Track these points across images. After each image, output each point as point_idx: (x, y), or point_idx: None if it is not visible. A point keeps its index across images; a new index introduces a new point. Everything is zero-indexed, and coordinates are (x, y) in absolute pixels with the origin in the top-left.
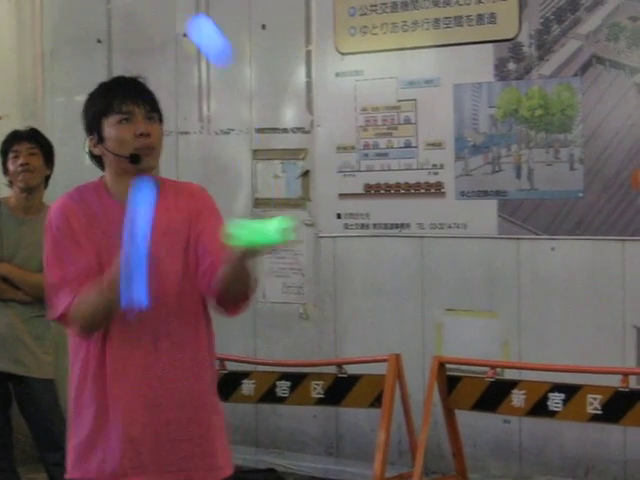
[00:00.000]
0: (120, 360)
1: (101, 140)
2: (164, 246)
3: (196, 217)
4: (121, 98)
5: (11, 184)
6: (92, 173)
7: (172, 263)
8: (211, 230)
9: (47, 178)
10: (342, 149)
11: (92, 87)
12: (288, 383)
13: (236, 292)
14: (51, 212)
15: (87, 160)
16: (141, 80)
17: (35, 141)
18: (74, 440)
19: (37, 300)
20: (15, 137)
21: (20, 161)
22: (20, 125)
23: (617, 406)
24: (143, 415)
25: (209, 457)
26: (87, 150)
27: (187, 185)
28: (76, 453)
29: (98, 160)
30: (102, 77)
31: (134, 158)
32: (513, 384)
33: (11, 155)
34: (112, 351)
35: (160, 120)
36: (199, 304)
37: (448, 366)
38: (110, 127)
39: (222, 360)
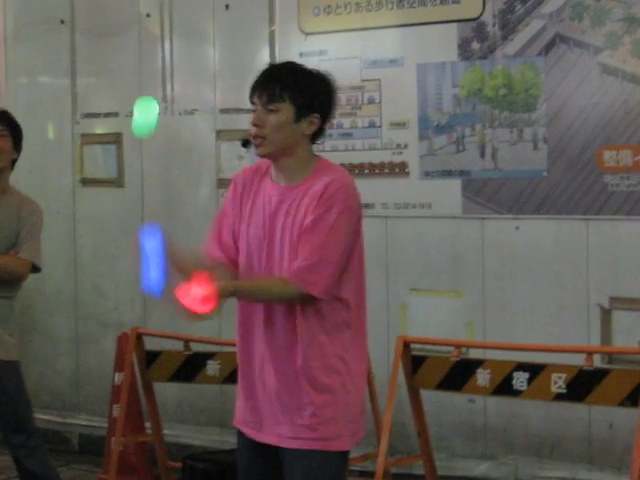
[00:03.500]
0: (245, 331)
1: None
2: (288, 228)
3: (311, 209)
4: (252, 90)
5: None
6: (54, 156)
7: (283, 246)
8: (306, 229)
9: (14, 162)
10: None
11: (55, 68)
12: None
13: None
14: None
15: (49, 143)
16: (281, 67)
17: (5, 123)
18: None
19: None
20: None
21: None
22: None
23: (581, 385)
24: (257, 381)
25: (304, 428)
26: None
27: (330, 176)
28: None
29: None
30: (65, 58)
31: (242, 142)
32: (478, 363)
33: None
34: (242, 320)
35: (295, 107)
36: None
37: (413, 346)
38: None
39: (186, 341)
